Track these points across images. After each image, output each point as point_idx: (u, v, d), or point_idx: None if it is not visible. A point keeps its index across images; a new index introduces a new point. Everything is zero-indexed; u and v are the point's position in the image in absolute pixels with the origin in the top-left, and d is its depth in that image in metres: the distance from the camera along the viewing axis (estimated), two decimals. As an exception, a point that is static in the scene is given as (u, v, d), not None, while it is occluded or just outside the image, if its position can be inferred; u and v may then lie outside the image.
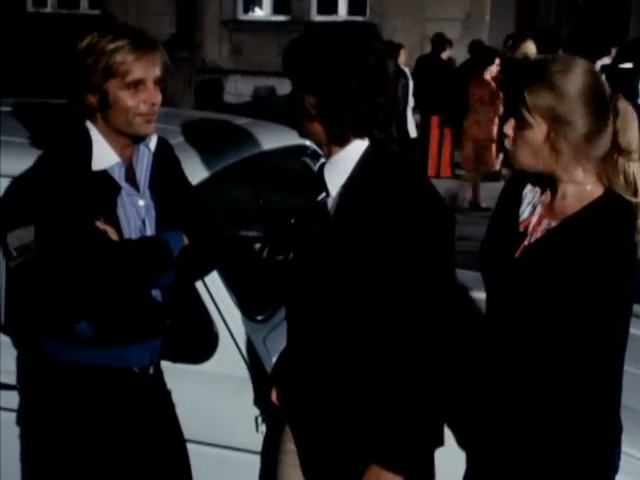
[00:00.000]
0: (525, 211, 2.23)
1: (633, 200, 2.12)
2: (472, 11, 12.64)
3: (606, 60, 10.66)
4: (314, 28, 2.21)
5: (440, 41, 10.90)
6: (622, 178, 2.12)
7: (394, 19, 12.76)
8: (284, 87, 13.02)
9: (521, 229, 2.20)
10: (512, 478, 2.22)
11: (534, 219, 2.19)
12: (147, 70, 2.35)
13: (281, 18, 13.94)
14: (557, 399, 2.13)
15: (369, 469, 2.11)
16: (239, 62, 13.87)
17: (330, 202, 2.21)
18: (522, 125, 2.11)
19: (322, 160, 2.24)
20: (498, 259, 2.23)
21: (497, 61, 9.57)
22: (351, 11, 13.63)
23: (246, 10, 14.32)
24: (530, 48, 9.33)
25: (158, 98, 2.39)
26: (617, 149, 2.12)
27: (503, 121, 2.21)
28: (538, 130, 2.09)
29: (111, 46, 2.31)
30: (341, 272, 2.14)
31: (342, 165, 2.18)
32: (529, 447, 2.17)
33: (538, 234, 2.17)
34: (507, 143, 2.16)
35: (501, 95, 9.32)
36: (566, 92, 2.06)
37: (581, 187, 2.13)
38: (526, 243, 2.18)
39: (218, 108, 12.01)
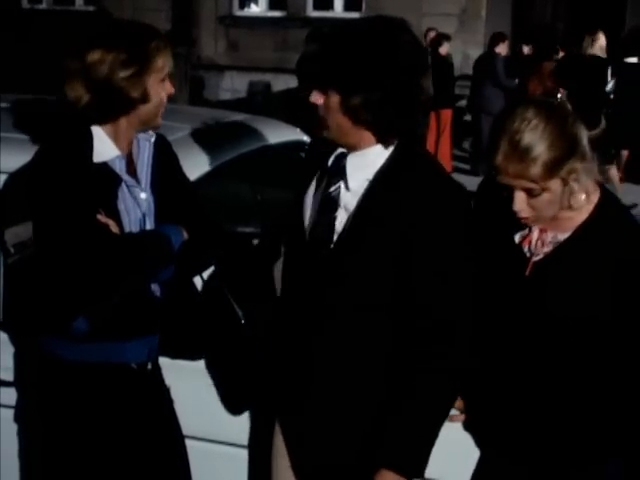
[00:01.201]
0: (519, 227, 2.17)
1: None
2: (468, 6, 12.64)
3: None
4: (343, 27, 2.13)
5: (437, 37, 10.90)
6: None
7: (389, 14, 12.75)
8: (280, 83, 13.07)
9: (524, 246, 2.16)
10: (544, 473, 2.22)
11: (534, 234, 2.15)
12: (171, 62, 2.41)
13: (277, 14, 13.93)
14: (587, 394, 2.13)
15: (381, 473, 2.09)
16: (235, 58, 13.86)
17: (348, 195, 2.17)
18: (532, 194, 2.03)
19: (340, 150, 2.18)
20: (504, 279, 2.18)
21: (561, 53, 9.53)
22: (347, 7, 13.62)
23: (242, 6, 14.31)
24: (602, 40, 9.23)
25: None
26: None
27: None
28: (555, 186, 2.03)
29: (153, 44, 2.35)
30: (360, 264, 2.12)
31: (368, 160, 2.15)
32: (562, 441, 2.16)
33: (546, 249, 2.13)
34: (526, 214, 2.06)
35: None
36: (559, 137, 1.99)
37: (578, 198, 2.10)
38: (535, 259, 2.14)
39: (214, 104, 12.01)
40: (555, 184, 2.02)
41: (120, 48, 2.30)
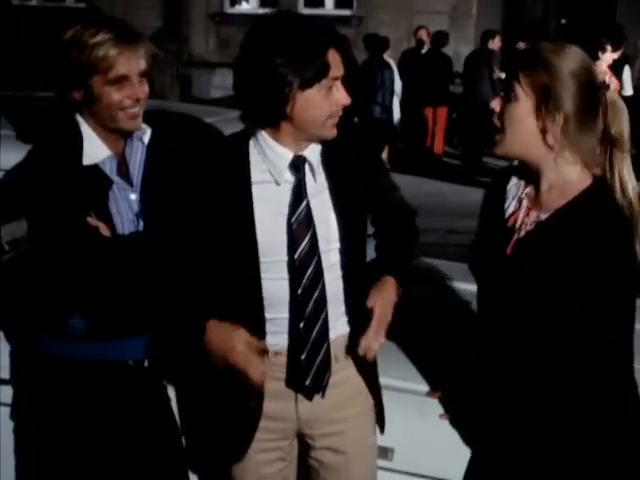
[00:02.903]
0: (511, 205, 2.20)
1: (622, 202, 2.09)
2: (459, 4, 12.67)
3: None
4: None
5: (440, 36, 11.06)
6: (617, 177, 2.11)
7: (381, 12, 12.77)
8: (272, 80, 13.04)
9: (509, 224, 2.17)
10: (528, 469, 2.20)
11: (521, 213, 2.16)
12: (130, 65, 2.32)
13: (268, 11, 13.86)
14: (563, 389, 2.12)
15: (386, 279, 2.29)
16: (226, 55, 13.82)
17: (316, 187, 2.26)
18: (509, 97, 2.08)
19: (293, 155, 2.23)
20: (489, 257, 2.21)
21: (609, 48, 9.48)
22: (338, 4, 13.62)
23: (232, 3, 14.29)
24: None
25: (143, 92, 2.36)
26: (609, 141, 2.11)
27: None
28: (525, 102, 2.06)
29: (93, 40, 2.28)
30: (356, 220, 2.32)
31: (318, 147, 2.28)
32: (543, 438, 2.15)
33: (528, 227, 2.14)
34: (495, 120, 2.12)
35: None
36: (558, 69, 2.04)
37: (567, 178, 2.10)
38: (516, 237, 2.15)
39: (205, 101, 11.98)
40: (528, 98, 2.05)
41: (74, 50, 2.29)
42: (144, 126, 2.46)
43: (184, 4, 13.90)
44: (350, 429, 2.36)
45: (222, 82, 13.88)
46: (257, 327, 2.24)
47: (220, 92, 13.71)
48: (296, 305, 2.24)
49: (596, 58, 9.48)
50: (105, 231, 2.34)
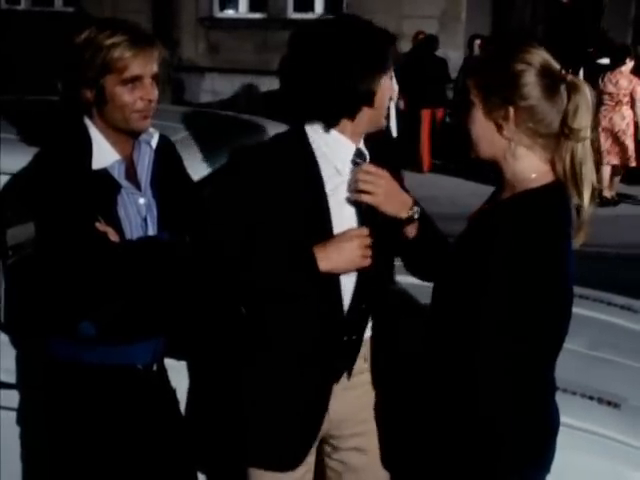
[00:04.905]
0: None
1: (577, 199, 2.01)
2: (448, 8, 12.70)
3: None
4: None
5: (432, 39, 11.25)
6: (569, 160, 2.01)
7: (370, 16, 12.65)
8: (260, 85, 13.01)
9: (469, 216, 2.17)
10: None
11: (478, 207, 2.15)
12: (144, 66, 2.33)
13: (257, 16, 13.93)
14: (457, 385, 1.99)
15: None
16: (216, 60, 13.85)
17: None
18: (466, 108, 2.07)
19: (354, 147, 2.29)
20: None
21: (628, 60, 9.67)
22: (327, 8, 13.64)
23: (222, 8, 14.30)
24: None
25: (155, 94, 2.38)
26: (566, 129, 2.00)
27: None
28: (476, 106, 2.05)
29: (109, 41, 2.29)
30: None
31: None
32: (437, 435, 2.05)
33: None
34: (464, 132, 2.12)
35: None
36: (500, 65, 2.02)
37: (521, 176, 2.04)
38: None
39: (195, 106, 11.99)
40: (476, 102, 2.04)
41: (89, 50, 2.30)
42: (152, 130, 2.47)
43: (173, 8, 13.89)
44: (374, 429, 2.40)
45: (212, 86, 13.91)
46: (336, 317, 2.28)
47: (209, 96, 13.72)
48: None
49: (623, 63, 9.65)
50: (113, 236, 2.33)
